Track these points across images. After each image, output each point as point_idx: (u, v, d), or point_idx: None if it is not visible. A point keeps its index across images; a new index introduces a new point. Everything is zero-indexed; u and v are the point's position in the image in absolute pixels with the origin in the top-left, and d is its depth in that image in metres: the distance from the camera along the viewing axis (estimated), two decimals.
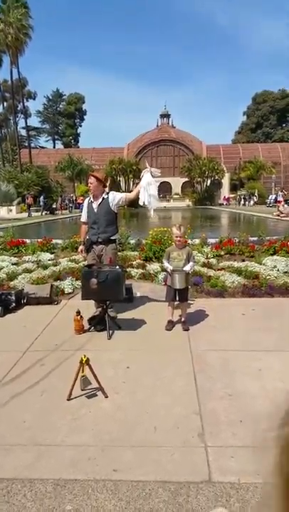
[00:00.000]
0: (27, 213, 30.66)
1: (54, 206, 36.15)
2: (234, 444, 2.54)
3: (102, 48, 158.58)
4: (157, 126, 62.48)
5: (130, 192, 5.72)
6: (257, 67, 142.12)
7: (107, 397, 3.11)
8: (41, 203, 34.30)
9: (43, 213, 32.85)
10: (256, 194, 46.41)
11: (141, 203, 5.11)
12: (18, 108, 55.23)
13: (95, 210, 5.06)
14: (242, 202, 45.88)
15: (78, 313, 4.50)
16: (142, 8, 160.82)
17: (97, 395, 3.15)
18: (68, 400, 3.09)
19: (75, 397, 3.11)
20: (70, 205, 39.93)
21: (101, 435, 2.68)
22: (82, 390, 3.14)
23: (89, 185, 5.19)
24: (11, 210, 32.34)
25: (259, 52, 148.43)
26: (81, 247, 5.32)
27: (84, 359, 3.05)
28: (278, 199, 33.06)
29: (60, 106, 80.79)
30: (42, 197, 34.92)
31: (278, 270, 6.94)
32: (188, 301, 5.08)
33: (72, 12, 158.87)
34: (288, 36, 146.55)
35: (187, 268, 4.61)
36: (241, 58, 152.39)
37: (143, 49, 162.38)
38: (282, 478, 0.41)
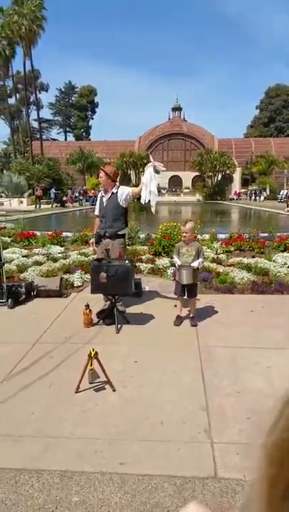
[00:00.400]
0: (37, 205, 30.81)
1: (64, 199, 36.24)
2: (240, 441, 2.54)
3: (114, 40, 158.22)
4: (169, 119, 62.08)
5: (137, 186, 5.69)
6: (271, 60, 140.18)
7: (114, 390, 3.14)
8: (52, 196, 34.45)
9: (54, 205, 32.99)
10: (267, 189, 45.97)
11: (142, 200, 5.06)
12: (31, 100, 55.28)
13: (104, 204, 5.08)
14: (253, 197, 45.54)
15: (87, 306, 4.52)
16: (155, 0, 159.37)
17: (105, 389, 3.18)
18: (76, 392, 3.12)
19: (83, 390, 3.14)
20: (81, 197, 40.01)
21: (108, 428, 2.71)
22: (90, 383, 3.16)
23: (99, 179, 5.21)
24: (21, 202, 32.53)
25: (273, 44, 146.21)
26: (92, 240, 5.36)
27: (92, 352, 3.07)
28: None
29: (72, 98, 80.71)
30: (53, 189, 35.07)
31: (288, 267, 6.88)
32: (197, 297, 5.07)
33: (85, 4, 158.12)
34: None
35: (195, 264, 4.58)
36: (255, 51, 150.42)
37: (155, 40, 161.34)
38: (267, 488, 0.39)
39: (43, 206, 31.37)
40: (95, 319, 4.69)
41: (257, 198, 45.00)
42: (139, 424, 2.75)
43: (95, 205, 5.56)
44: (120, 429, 2.69)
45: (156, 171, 5.06)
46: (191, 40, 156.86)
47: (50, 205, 32.97)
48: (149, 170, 5.08)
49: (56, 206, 32.81)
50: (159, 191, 5.13)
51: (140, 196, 5.11)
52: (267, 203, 37.17)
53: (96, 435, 2.64)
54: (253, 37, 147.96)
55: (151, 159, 5.25)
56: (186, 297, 4.78)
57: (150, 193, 5.01)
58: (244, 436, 2.59)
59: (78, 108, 78.65)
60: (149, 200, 5.03)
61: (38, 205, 30.66)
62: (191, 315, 4.74)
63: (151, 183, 5.02)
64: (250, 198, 45.90)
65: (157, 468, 2.31)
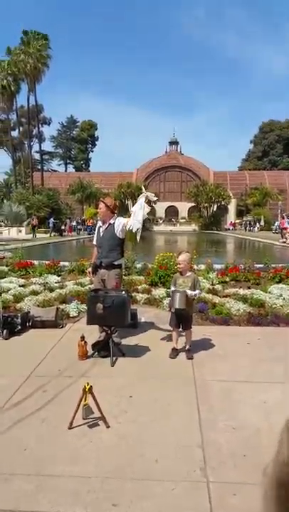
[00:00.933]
0: (32, 234, 31.00)
1: (63, 228, 36.60)
2: (237, 480, 2.49)
3: (115, 76, 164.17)
4: (166, 152, 63.63)
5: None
6: (264, 97, 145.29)
7: (108, 426, 3.08)
8: (50, 225, 34.82)
9: (52, 234, 33.25)
10: (262, 220, 46.64)
11: (128, 228, 5.14)
12: (33, 133, 56.66)
13: (101, 234, 5.18)
14: (247, 227, 46.28)
15: (82, 338, 4.49)
16: (155, 40, 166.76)
17: (98, 425, 3.12)
18: (70, 428, 3.06)
19: (77, 426, 3.08)
20: (79, 227, 40.39)
21: (102, 466, 2.65)
22: (83, 419, 3.11)
23: (98, 210, 5.32)
24: (20, 231, 32.72)
25: (266, 81, 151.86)
26: (89, 269, 5.40)
27: (87, 387, 3.04)
28: (285, 226, 33.05)
29: (74, 132, 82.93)
30: (51, 219, 35.52)
31: (284, 299, 6.90)
32: (192, 329, 5.05)
33: (88, 42, 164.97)
34: None
35: (188, 292, 4.58)
36: (248, 87, 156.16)
37: (154, 78, 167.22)
38: None
39: (41, 235, 31.58)
40: (90, 351, 4.65)
41: (251, 228, 45.71)
42: (133, 461, 2.69)
43: (92, 234, 5.65)
44: (114, 467, 2.63)
45: (149, 201, 5.21)
46: (190, 77, 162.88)
47: (48, 234, 33.19)
48: (140, 200, 5.23)
49: (54, 235, 33.04)
50: (149, 220, 5.29)
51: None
52: (261, 234, 37.59)
53: (89, 473, 2.57)
54: (249, 75, 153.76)
55: (144, 190, 5.43)
56: (180, 329, 4.77)
57: (136, 222, 5.13)
58: (240, 474, 2.53)
59: (79, 141, 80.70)
60: (133, 228, 5.12)
61: (34, 234, 30.84)
62: (186, 347, 4.71)
63: (139, 212, 5.15)
64: (245, 228, 46.59)
65: (151, 510, 2.24)
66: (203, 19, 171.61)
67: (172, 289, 4.83)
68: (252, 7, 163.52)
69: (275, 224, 39.94)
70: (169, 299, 5.77)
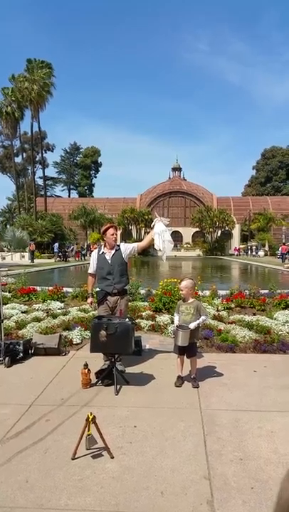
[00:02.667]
0: (30, 259, 31.15)
1: (67, 253, 36.94)
2: None
3: (119, 105, 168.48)
4: (169, 178, 64.52)
5: (141, 241, 5.88)
6: (266, 123, 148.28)
7: (112, 457, 3.01)
8: (55, 250, 35.15)
9: (57, 260, 33.51)
10: (266, 245, 46.77)
11: (157, 248, 5.26)
12: (37, 159, 57.82)
13: (109, 262, 5.12)
14: (249, 252, 46.51)
15: (86, 366, 4.44)
16: (157, 69, 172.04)
17: (102, 455, 3.05)
18: (73, 459, 2.99)
19: (80, 457, 3.01)
20: (83, 252, 40.70)
21: (106, 498, 2.57)
22: (87, 450, 3.04)
23: (114, 236, 5.17)
24: (23, 256, 32.95)
25: (269, 108, 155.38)
26: (90, 299, 5.35)
27: (90, 417, 2.98)
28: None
29: (77, 158, 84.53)
30: (56, 244, 35.90)
31: None
32: (198, 356, 5.00)
33: (93, 72, 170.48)
34: None
35: (192, 325, 4.53)
36: (251, 114, 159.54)
37: (157, 107, 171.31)
38: None
39: (43, 261, 31.73)
40: (94, 379, 4.59)
41: (254, 253, 45.94)
42: (138, 494, 2.62)
43: None
44: (118, 500, 2.56)
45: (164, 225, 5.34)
46: (194, 105, 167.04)
47: (52, 259, 33.39)
48: (160, 223, 5.32)
49: (58, 260, 33.23)
50: (153, 246, 5.44)
51: (145, 249, 5.48)
52: (264, 259, 37.59)
53: (93, 506, 2.50)
54: (252, 103, 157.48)
55: (156, 215, 5.52)
56: (186, 356, 4.71)
57: (165, 242, 5.24)
58: (248, 508, 2.45)
59: (82, 167, 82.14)
60: (163, 248, 5.26)
61: (32, 260, 30.98)
62: (192, 375, 4.64)
63: (165, 233, 5.26)
64: (247, 253, 46.83)
65: None
66: (206, 48, 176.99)
67: (176, 316, 4.80)
68: (254, 38, 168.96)
69: (280, 249, 40.08)
70: (174, 325, 5.75)
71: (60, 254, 35.11)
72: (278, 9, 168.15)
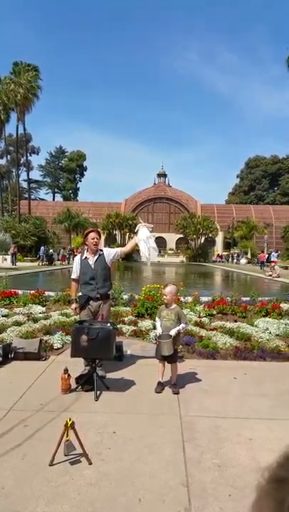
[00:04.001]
0: (11, 262, 30.84)
1: (53, 257, 36.74)
2: None
3: (106, 110, 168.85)
4: (154, 184, 64.73)
5: (125, 246, 5.89)
6: (250, 133, 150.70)
7: (91, 463, 2.98)
8: (40, 253, 34.99)
9: (42, 263, 33.38)
10: (249, 253, 47.42)
11: (142, 255, 5.29)
12: (21, 161, 57.29)
13: (92, 266, 5.09)
14: (230, 259, 47.24)
15: (66, 371, 4.40)
16: (146, 76, 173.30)
17: (80, 461, 3.02)
18: (51, 465, 2.95)
19: (58, 463, 2.98)
20: (66, 256, 40.48)
21: (83, 505, 2.54)
22: (65, 456, 3.01)
23: (95, 240, 5.11)
24: (5, 259, 32.47)
25: (255, 118, 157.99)
26: (74, 305, 5.27)
27: (69, 423, 2.96)
28: (272, 259, 33.54)
29: (62, 162, 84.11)
30: (42, 247, 35.77)
31: (270, 333, 6.92)
32: (179, 362, 5.01)
33: (82, 77, 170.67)
34: (278, 105, 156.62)
35: (172, 332, 4.54)
36: (236, 124, 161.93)
37: (144, 113, 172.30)
38: None
39: (26, 264, 31.45)
40: (74, 385, 4.55)
41: (236, 260, 46.60)
42: (115, 501, 2.60)
43: None
44: (95, 507, 2.53)
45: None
46: (180, 113, 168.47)
47: (35, 263, 33.09)
48: (144, 229, 5.34)
49: (45, 264, 33.09)
50: (137, 251, 5.47)
51: (128, 254, 5.51)
52: (246, 266, 38.06)
53: None
54: (238, 112, 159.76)
55: (141, 220, 5.54)
56: (167, 362, 4.72)
57: (150, 249, 5.27)
58: None
59: (67, 171, 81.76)
60: (148, 255, 5.27)
61: (13, 263, 30.67)
62: (172, 381, 4.64)
63: (150, 240, 5.28)
64: (227, 260, 47.51)
65: None
66: (194, 59, 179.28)
67: (157, 322, 4.81)
68: (240, 48, 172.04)
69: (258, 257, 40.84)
70: (156, 331, 5.76)
71: (45, 257, 34.87)
72: (267, 24, 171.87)
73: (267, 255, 39.03)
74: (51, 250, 38.67)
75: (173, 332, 4.54)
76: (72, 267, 5.53)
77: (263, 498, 0.43)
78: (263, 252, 40.24)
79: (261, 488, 0.44)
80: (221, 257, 50.66)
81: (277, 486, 0.43)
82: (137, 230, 5.43)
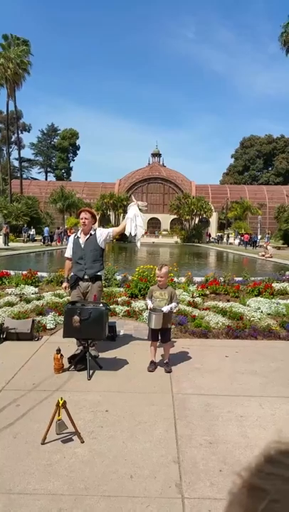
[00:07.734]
0: (3, 243, 30.71)
1: (47, 236, 36.83)
2: (212, 495, 2.45)
3: (100, 88, 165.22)
4: (149, 164, 64.06)
5: (116, 227, 5.83)
6: (247, 112, 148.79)
7: (83, 442, 3.00)
8: (45, 234, 35.12)
9: (46, 243, 33.53)
10: (243, 233, 47.57)
11: (127, 233, 5.19)
12: (12, 139, 56.18)
13: (82, 246, 5.05)
14: (228, 240, 47.16)
15: (58, 351, 4.40)
16: (141, 53, 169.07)
17: (72, 440, 3.04)
18: (43, 444, 2.97)
19: (50, 442, 3.00)
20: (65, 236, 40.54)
21: (75, 483, 2.57)
22: (57, 434, 3.03)
23: (83, 220, 5.07)
24: None
25: (250, 98, 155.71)
26: (65, 284, 5.27)
27: (61, 402, 2.96)
28: (266, 241, 33.69)
29: (54, 140, 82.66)
30: (46, 228, 35.94)
31: (262, 312, 6.97)
32: (171, 342, 5.03)
33: (75, 54, 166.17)
34: (273, 84, 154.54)
35: (165, 309, 4.55)
36: (231, 103, 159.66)
37: (139, 91, 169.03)
38: None
39: (18, 244, 31.33)
40: (67, 364, 4.56)
41: (225, 240, 46.77)
42: (107, 477, 2.63)
43: None
44: (87, 484, 2.56)
45: (140, 210, 5.26)
46: (177, 92, 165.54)
47: (27, 244, 32.97)
48: (133, 207, 5.28)
49: (48, 244, 33.16)
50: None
51: (122, 234, 5.40)
52: (239, 247, 38.18)
53: (62, 491, 2.49)
54: (234, 91, 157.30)
55: (134, 199, 5.46)
56: (159, 343, 4.73)
57: (137, 227, 5.18)
58: (216, 490, 2.50)
59: (60, 150, 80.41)
60: (134, 234, 5.19)
61: (6, 243, 30.46)
62: (165, 360, 4.67)
63: (137, 218, 5.20)
64: (218, 241, 47.60)
65: None
66: (191, 37, 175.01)
67: (148, 301, 4.78)
68: (238, 27, 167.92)
69: (241, 237, 41.29)
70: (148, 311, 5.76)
71: (48, 237, 35.16)
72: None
73: (250, 236, 39.53)
74: (62, 229, 38.97)
75: (165, 309, 4.54)
76: (62, 247, 5.49)
77: (235, 505, 0.41)
78: (247, 233, 41.06)
79: (233, 495, 0.41)
80: (209, 235, 50.93)
81: (251, 494, 0.40)
82: (128, 209, 5.38)
